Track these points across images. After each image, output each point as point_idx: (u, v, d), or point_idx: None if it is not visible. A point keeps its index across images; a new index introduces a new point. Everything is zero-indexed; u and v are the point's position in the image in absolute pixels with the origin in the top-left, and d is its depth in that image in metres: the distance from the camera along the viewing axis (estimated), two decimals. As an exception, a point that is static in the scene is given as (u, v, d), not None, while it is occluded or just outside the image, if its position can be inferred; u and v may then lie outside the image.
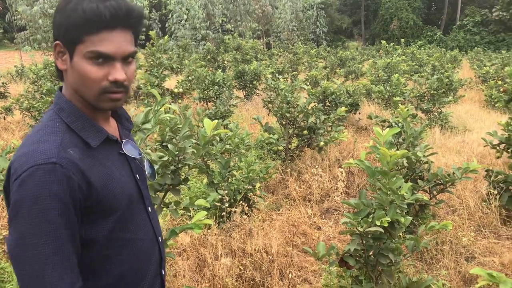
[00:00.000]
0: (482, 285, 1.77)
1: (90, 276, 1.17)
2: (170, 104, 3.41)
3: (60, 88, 1.23)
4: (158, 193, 2.71)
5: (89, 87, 1.13)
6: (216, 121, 2.66)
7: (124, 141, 1.30)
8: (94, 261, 1.17)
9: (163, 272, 1.42)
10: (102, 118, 1.25)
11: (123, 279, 1.23)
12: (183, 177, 2.58)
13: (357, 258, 2.81)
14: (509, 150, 4.73)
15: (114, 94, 1.16)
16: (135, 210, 1.28)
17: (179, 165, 2.52)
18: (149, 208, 1.36)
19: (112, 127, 1.30)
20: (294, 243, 3.92)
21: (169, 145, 2.55)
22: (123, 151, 1.28)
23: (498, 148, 4.91)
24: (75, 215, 1.08)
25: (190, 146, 2.54)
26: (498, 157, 5.00)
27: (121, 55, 1.14)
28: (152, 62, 9.42)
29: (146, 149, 2.88)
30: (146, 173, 1.43)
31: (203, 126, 2.78)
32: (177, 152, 2.51)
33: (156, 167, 2.47)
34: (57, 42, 1.14)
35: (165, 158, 2.45)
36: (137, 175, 1.33)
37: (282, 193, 5.35)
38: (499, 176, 4.63)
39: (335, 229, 4.37)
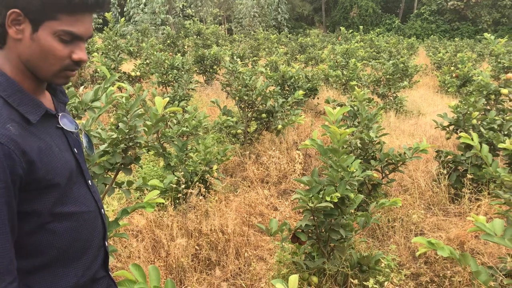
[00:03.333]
0: (423, 252, 1.85)
1: (34, 253, 1.16)
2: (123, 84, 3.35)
3: None
4: (109, 172, 2.67)
5: (51, 63, 1.12)
6: (168, 98, 2.64)
7: (60, 114, 1.27)
8: (38, 236, 1.16)
9: (106, 244, 1.42)
10: (39, 92, 1.22)
11: (67, 253, 1.23)
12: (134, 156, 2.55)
13: (309, 234, 2.87)
14: (458, 131, 4.92)
15: (72, 72, 1.18)
16: (76, 184, 1.27)
17: (130, 144, 2.49)
18: (89, 181, 1.35)
19: (47, 100, 1.28)
20: (251, 223, 3.96)
21: (119, 124, 2.51)
22: (60, 125, 1.26)
23: (447, 129, 5.10)
24: (14, 194, 1.06)
25: (140, 124, 2.51)
26: (447, 138, 5.19)
27: (87, 36, 1.17)
28: (108, 45, 9.20)
29: (97, 128, 2.83)
30: (84, 146, 1.41)
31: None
32: (128, 131, 2.48)
33: (105, 145, 2.43)
34: (14, 10, 1.08)
35: (114, 136, 2.41)
36: (75, 149, 1.31)
37: (240, 175, 5.38)
38: (449, 157, 4.81)
39: (292, 209, 4.43)
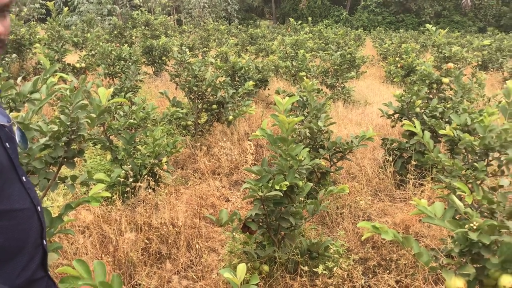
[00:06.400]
0: (369, 236, 1.90)
1: None
2: (68, 75, 3.21)
3: None
4: (52, 167, 2.57)
5: None
6: (112, 89, 2.56)
7: None
8: None
9: (44, 243, 1.35)
10: None
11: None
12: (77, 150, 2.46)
13: (260, 224, 2.89)
14: (402, 119, 5.08)
15: None
16: (8, 180, 1.20)
17: (73, 136, 2.40)
18: (23, 177, 1.27)
19: None
20: (202, 215, 3.94)
21: (61, 116, 2.42)
22: None
23: (393, 118, 5.27)
24: None
25: (83, 116, 2.42)
26: (393, 126, 5.36)
27: None
28: (51, 36, 8.82)
29: (38, 121, 2.71)
30: (17, 141, 1.33)
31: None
32: (70, 123, 2.39)
33: (45, 138, 2.33)
34: None
35: (55, 129, 2.31)
36: (7, 144, 1.24)
37: (191, 167, 5.33)
38: (394, 144, 4.97)
39: (242, 199, 4.44)
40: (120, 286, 1.58)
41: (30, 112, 2.46)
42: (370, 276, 3.23)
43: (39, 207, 1.31)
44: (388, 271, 3.21)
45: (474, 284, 1.94)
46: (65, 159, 2.46)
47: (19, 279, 1.21)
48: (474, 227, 1.83)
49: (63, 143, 2.40)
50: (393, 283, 3.00)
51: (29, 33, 10.23)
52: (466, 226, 1.85)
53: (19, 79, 2.61)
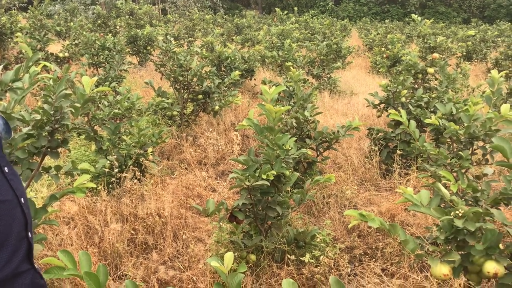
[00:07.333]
0: (355, 224, 1.90)
1: None
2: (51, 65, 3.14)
3: None
4: (35, 157, 2.53)
5: None
6: (96, 77, 2.52)
7: None
8: None
9: (29, 235, 1.31)
10: None
11: None
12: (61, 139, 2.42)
13: (247, 213, 2.89)
14: (388, 109, 5.11)
15: None
16: None
17: (56, 126, 2.35)
18: (6, 168, 1.24)
19: None
20: (188, 205, 3.92)
21: (44, 105, 2.37)
22: None
23: (378, 107, 5.28)
24: None
25: (67, 106, 2.38)
26: (378, 116, 5.38)
27: None
28: (33, 25, 8.65)
29: (21, 111, 2.65)
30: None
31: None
32: (53, 112, 2.34)
33: (28, 128, 2.29)
34: None
35: (38, 118, 2.27)
36: None
37: (177, 158, 5.30)
38: (380, 134, 4.99)
39: (229, 189, 4.44)
40: (106, 277, 1.57)
41: (12, 102, 2.40)
42: (356, 264, 3.25)
43: (22, 199, 1.27)
44: (374, 259, 3.24)
45: (459, 270, 1.96)
46: (48, 149, 2.42)
47: (3, 273, 1.18)
48: (460, 215, 1.85)
49: (46, 133, 2.36)
50: (379, 271, 3.03)
51: (10, 22, 10.02)
52: (452, 213, 1.87)
53: (0, 67, 2.55)
